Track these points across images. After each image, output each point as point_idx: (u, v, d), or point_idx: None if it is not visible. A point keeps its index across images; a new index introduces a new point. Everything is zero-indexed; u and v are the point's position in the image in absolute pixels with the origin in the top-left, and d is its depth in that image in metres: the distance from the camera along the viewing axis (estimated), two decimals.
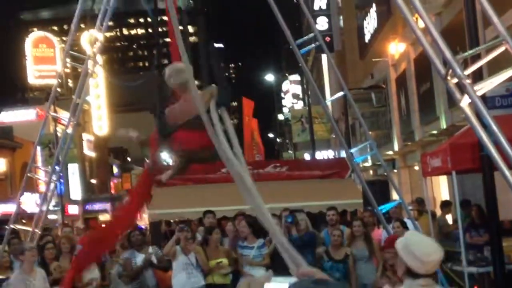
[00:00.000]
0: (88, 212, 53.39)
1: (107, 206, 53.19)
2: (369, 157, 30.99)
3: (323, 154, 45.20)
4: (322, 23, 40.33)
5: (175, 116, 6.61)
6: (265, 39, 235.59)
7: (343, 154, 28.14)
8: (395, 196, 14.31)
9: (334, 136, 44.33)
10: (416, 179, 26.36)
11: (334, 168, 16.00)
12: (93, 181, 59.53)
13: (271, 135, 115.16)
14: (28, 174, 12.85)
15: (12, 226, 12.14)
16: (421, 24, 5.66)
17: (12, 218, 12.50)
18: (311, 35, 12.31)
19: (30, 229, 11.94)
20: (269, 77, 72.88)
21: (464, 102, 5.30)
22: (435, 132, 22.86)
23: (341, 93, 12.78)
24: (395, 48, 27.98)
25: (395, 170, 30.77)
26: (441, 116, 23.12)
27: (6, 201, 38.15)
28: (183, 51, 6.52)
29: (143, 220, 43.41)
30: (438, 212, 15.92)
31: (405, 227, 11.07)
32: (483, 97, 5.42)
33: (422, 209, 15.23)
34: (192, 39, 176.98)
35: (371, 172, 37.01)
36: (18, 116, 49.11)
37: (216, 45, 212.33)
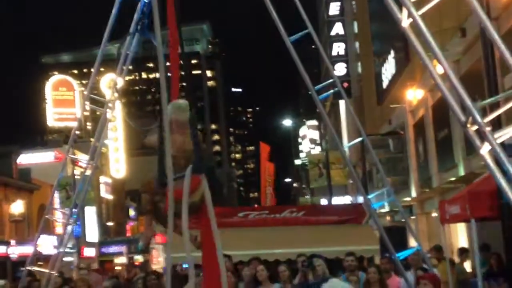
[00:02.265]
0: (104, 255, 53.31)
1: (123, 248, 53.10)
2: (386, 203, 30.84)
3: (340, 200, 45.02)
4: (340, 69, 40.60)
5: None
6: (283, 84, 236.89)
7: (360, 200, 28.02)
8: (412, 243, 14.20)
9: (351, 181, 44.21)
10: (434, 226, 26.16)
11: (351, 213, 15.92)
12: (110, 223, 59.56)
13: (288, 179, 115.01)
14: (46, 216, 12.88)
15: (28, 268, 12.14)
16: (439, 70, 5.68)
17: (29, 260, 12.51)
18: (330, 81, 12.36)
19: (46, 271, 11.92)
20: (287, 122, 73.02)
21: (484, 149, 5.29)
22: (453, 179, 22.75)
23: (359, 139, 12.77)
24: (413, 94, 27.98)
25: (413, 217, 30.57)
26: (459, 163, 23.03)
27: (24, 243, 38.21)
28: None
29: (159, 264, 43.31)
30: (456, 259, 15.76)
31: None
32: (502, 145, 5.40)
33: (441, 256, 15.08)
34: (210, 83, 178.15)
35: (388, 218, 36.79)
36: (36, 158, 49.43)
37: (234, 89, 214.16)
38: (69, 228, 12.58)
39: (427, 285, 8.64)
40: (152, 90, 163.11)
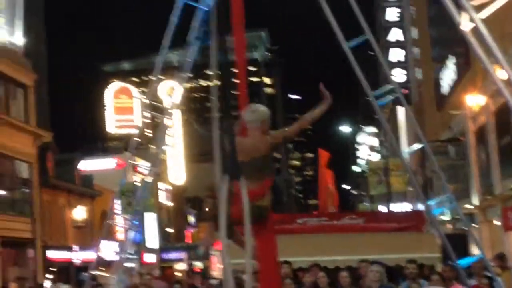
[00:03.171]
0: (164, 261, 53.77)
1: (183, 255, 53.48)
2: (447, 211, 30.43)
3: (399, 207, 44.61)
4: (399, 75, 40.29)
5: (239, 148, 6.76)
6: (342, 91, 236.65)
7: (419, 207, 27.71)
8: (475, 251, 13.99)
9: (410, 188, 43.77)
10: (497, 234, 25.72)
11: (411, 220, 15.78)
12: (170, 230, 60.07)
13: (346, 186, 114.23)
14: (108, 221, 13.06)
15: (92, 272, 12.34)
16: (502, 76, 5.60)
17: (92, 265, 12.71)
18: (389, 87, 12.24)
19: (109, 275, 12.10)
20: (345, 129, 72.69)
21: None
22: None
23: (419, 145, 12.63)
24: (474, 100, 27.60)
25: (475, 225, 30.09)
26: None
27: (86, 248, 38.78)
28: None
29: (219, 270, 43.45)
30: None
31: (492, 286, 10.77)
32: None
33: (504, 265, 14.80)
34: (268, 90, 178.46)
35: (449, 226, 36.29)
36: (98, 165, 50.15)
37: (293, 96, 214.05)
38: (130, 234, 12.72)
39: None
40: (212, 97, 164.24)
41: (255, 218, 6.66)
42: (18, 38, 36.88)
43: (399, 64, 41.98)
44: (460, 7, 5.34)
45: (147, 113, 13.25)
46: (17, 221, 34.21)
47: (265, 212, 6.83)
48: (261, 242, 6.80)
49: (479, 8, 5.37)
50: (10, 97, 35.66)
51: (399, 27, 43.62)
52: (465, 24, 5.31)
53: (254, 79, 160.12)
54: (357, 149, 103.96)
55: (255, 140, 6.93)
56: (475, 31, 5.33)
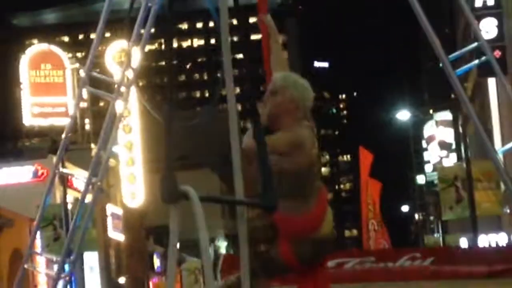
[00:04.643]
0: None
1: None
2: None
3: (490, 239, 44.65)
4: (489, 28, 40.30)
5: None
6: (395, 56, 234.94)
7: None
8: None
9: (508, 210, 43.79)
10: None
11: (510, 261, 15.87)
12: (122, 279, 60.24)
13: (405, 208, 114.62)
14: (25, 266, 13.10)
15: None
16: None
17: None
18: (473, 45, 12.30)
19: None
20: (403, 116, 72.77)
21: None
22: None
23: None
24: None
25: None
26: None
27: None
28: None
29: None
30: None
31: None
32: None
33: None
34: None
35: None
36: (7, 176, 50.24)
37: (318, 63, 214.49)
38: (60, 286, 12.79)
39: None
40: (187, 66, 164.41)
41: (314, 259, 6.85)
42: None
43: (488, 11, 42.02)
44: None
45: (86, 93, 13.32)
46: None
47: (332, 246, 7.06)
48: None
49: None
50: None
51: None
52: None
53: (257, 36, 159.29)
54: (423, 148, 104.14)
55: None
56: None
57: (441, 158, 76.18)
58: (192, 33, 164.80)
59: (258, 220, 6.66)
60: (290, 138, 6.97)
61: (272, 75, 7.27)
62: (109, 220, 57.78)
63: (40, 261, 25.04)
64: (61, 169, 13.21)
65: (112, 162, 49.81)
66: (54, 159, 13.10)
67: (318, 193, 6.97)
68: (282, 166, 6.86)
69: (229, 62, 6.67)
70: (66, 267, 12.97)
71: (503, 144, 40.21)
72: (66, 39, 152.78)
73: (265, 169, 6.62)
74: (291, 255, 6.51)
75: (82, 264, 50.20)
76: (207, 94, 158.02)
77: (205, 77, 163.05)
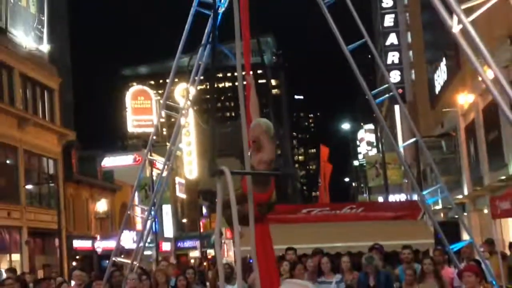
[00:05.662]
0: (179, 249, 53.89)
1: (196, 243, 53.56)
2: (439, 200, 30.40)
3: (396, 198, 44.58)
4: (395, 76, 40.27)
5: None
6: (342, 91, 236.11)
7: (414, 197, 27.68)
8: (465, 237, 13.99)
9: (406, 181, 43.72)
10: (486, 222, 25.68)
11: (407, 210, 15.75)
12: (184, 220, 60.16)
13: (347, 179, 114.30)
14: (128, 212, 13.09)
15: (113, 258, 12.38)
16: (489, 75, 5.59)
17: (113, 252, 12.76)
18: (386, 86, 12.27)
19: (129, 261, 12.14)
20: (345, 126, 72.67)
21: None
22: (503, 177, 22.30)
23: (414, 139, 12.64)
24: (464, 99, 27.56)
25: (465, 214, 30.04)
26: (510, 162, 22.56)
27: (108, 238, 38.90)
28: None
29: (230, 257, 43.53)
30: (508, 253, 15.45)
31: (481, 268, 10.75)
32: None
33: (492, 250, 14.80)
34: (274, 91, 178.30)
35: (441, 214, 36.23)
36: (118, 161, 50.24)
37: (297, 96, 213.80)
38: (148, 224, 12.77)
39: (470, 277, 8.52)
40: (222, 98, 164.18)
41: (263, 213, 6.75)
42: (44, 45, 36.99)
43: (395, 66, 41.93)
44: (450, 11, 5.33)
45: (164, 113, 13.30)
46: (44, 213, 34.34)
47: (272, 207, 6.95)
48: (265, 234, 6.90)
49: (469, 11, 5.36)
50: (37, 100, 35.79)
51: (395, 32, 43.58)
52: (455, 26, 5.30)
53: (261, 80, 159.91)
54: (357, 145, 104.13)
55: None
56: (465, 33, 5.32)
57: (368, 151, 75.95)
58: (224, 79, 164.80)
59: (240, 191, 6.58)
60: (272, 153, 6.93)
61: (250, 114, 7.21)
62: (177, 186, 57.77)
63: (138, 210, 25.01)
64: (149, 157, 13.17)
65: (178, 153, 49.79)
66: (145, 151, 13.09)
67: (272, 180, 6.93)
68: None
69: (242, 91, 6.63)
70: (152, 213, 12.96)
71: (403, 142, 40.07)
72: (152, 82, 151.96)
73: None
74: (256, 212, 6.46)
75: (161, 211, 50.21)
76: (233, 114, 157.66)
77: (232, 104, 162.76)
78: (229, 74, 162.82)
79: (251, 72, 7.87)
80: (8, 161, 32.44)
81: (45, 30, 37.06)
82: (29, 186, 33.26)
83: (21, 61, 33.53)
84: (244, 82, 7.15)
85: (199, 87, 13.41)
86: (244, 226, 6.43)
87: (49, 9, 37.73)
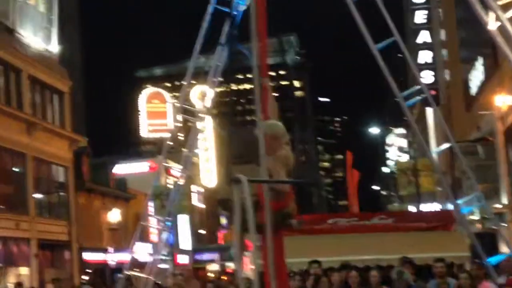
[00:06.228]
0: (198, 262, 53.92)
1: (215, 256, 53.61)
2: (476, 210, 30.18)
3: (428, 207, 44.31)
4: (427, 77, 40.02)
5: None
6: (370, 93, 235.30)
7: (449, 207, 27.51)
8: (504, 249, 13.87)
9: (440, 188, 43.45)
10: None
11: (441, 220, 15.69)
12: (202, 231, 60.21)
13: (376, 187, 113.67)
14: (142, 223, 13.14)
15: (127, 272, 12.43)
16: None
17: (127, 265, 12.80)
18: (417, 87, 12.21)
19: (144, 275, 12.18)
20: (374, 130, 72.44)
21: None
22: None
23: (448, 145, 12.57)
24: (502, 100, 27.34)
25: (504, 224, 29.77)
26: None
27: (120, 250, 39.00)
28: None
29: (249, 271, 43.51)
30: None
31: None
32: None
33: None
34: (298, 93, 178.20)
35: (478, 225, 35.96)
36: (131, 168, 50.43)
37: (322, 99, 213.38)
38: (164, 235, 12.81)
39: None
40: (242, 101, 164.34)
41: (279, 225, 6.77)
42: (53, 46, 37.22)
43: (427, 66, 41.71)
44: (486, 7, 5.30)
45: (179, 117, 13.34)
46: (54, 224, 34.51)
47: (289, 218, 6.97)
48: (276, 246, 6.91)
49: (506, 7, 5.33)
50: (46, 103, 35.99)
51: (427, 29, 43.38)
52: (492, 23, 5.28)
53: (284, 82, 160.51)
54: (387, 150, 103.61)
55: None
56: (502, 30, 5.29)
57: (398, 157, 75.69)
58: (244, 80, 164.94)
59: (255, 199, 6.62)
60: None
61: (267, 113, 7.31)
62: (194, 195, 57.87)
63: (152, 220, 25.06)
64: (164, 164, 13.23)
65: (195, 159, 49.88)
66: (161, 158, 13.13)
67: (289, 188, 6.98)
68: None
69: (259, 91, 6.68)
70: (168, 223, 13.00)
71: (437, 147, 39.87)
72: (168, 84, 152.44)
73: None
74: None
75: (177, 222, 50.29)
76: (254, 118, 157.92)
77: (252, 107, 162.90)
78: (249, 76, 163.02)
79: (270, 74, 7.92)
80: (16, 169, 32.63)
81: (55, 30, 37.31)
82: (38, 195, 33.45)
83: (29, 63, 33.76)
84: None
85: (217, 89, 13.43)
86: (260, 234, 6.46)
87: (59, 8, 37.98)
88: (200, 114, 12.40)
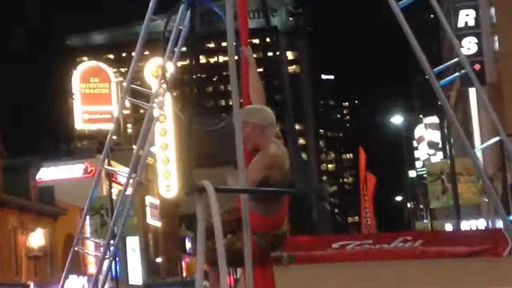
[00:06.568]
0: None
1: None
2: None
3: (471, 224, 44.54)
4: (469, 46, 40.17)
5: None
6: (390, 69, 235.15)
7: (499, 223, 27.68)
8: None
9: (486, 199, 43.68)
10: None
11: (487, 242, 15.76)
12: (159, 259, 60.24)
13: (399, 198, 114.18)
14: (75, 248, 13.12)
15: None
16: None
17: None
18: (455, 60, 12.27)
19: None
20: (397, 120, 72.66)
21: None
22: None
23: (496, 139, 12.64)
24: None
25: None
26: None
27: (46, 286, 38.96)
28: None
29: None
30: None
31: None
32: None
33: None
34: (292, 68, 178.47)
35: None
36: (61, 172, 50.40)
37: (325, 76, 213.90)
38: (105, 265, 12.81)
39: None
40: (214, 79, 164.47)
41: (266, 252, 6.83)
42: None
43: (469, 31, 41.88)
44: None
45: (127, 102, 13.35)
46: None
47: (280, 240, 7.03)
48: (260, 282, 6.95)
49: None
50: None
51: None
52: None
53: (272, 53, 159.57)
54: (414, 148, 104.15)
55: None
56: None
57: (429, 155, 75.96)
58: (218, 50, 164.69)
59: (227, 215, 6.68)
60: (263, 164, 6.93)
61: (248, 97, 7.34)
62: (148, 209, 57.92)
63: (90, 244, 25.09)
64: (106, 167, 13.23)
65: (150, 160, 49.91)
66: (101, 157, 13.10)
67: (283, 200, 7.00)
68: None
69: (234, 64, 6.71)
70: (111, 249, 13.02)
71: (482, 143, 40.06)
72: (111, 56, 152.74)
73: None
74: (255, 245, 6.48)
75: (125, 246, 50.30)
76: (231, 102, 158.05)
77: (229, 88, 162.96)
78: (224, 44, 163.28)
79: (252, 42, 7.96)
80: None
81: None
82: None
83: None
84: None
85: (180, 63, 13.44)
86: (237, 267, 6.49)
87: None
88: (156, 98, 12.41)
